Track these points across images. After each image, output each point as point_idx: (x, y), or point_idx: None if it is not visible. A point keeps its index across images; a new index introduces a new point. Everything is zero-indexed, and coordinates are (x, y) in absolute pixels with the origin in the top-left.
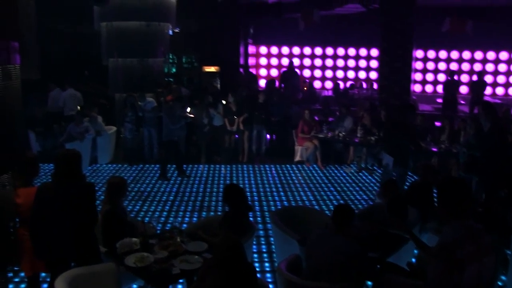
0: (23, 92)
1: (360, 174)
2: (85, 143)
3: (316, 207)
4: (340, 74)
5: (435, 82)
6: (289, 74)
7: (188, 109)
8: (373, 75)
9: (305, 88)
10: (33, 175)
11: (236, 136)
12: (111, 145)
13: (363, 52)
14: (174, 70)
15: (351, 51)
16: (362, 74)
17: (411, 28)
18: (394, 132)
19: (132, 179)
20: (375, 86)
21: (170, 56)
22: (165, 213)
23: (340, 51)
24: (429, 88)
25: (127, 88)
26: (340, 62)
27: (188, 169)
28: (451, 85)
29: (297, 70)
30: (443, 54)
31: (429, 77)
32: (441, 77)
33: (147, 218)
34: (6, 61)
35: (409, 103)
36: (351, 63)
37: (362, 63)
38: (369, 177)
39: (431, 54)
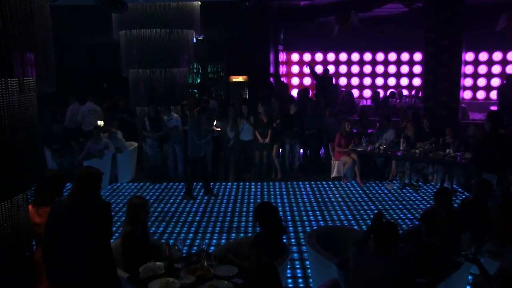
0: (39, 106)
1: (404, 191)
2: (104, 161)
3: (356, 227)
4: (379, 81)
5: (488, 88)
6: (324, 83)
7: (215, 123)
8: (417, 81)
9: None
10: (57, 194)
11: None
12: (133, 163)
13: (405, 56)
14: (198, 80)
15: (392, 56)
16: (404, 81)
17: (460, 28)
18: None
19: (155, 199)
20: (418, 93)
21: (195, 66)
22: (191, 235)
23: (380, 56)
24: (481, 95)
25: (149, 101)
26: (380, 69)
27: (215, 188)
28: (508, 90)
29: (333, 78)
30: (497, 55)
31: (481, 82)
32: (495, 81)
33: (171, 241)
34: (22, 73)
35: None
36: (392, 69)
37: (404, 68)
38: (414, 194)
39: (483, 56)
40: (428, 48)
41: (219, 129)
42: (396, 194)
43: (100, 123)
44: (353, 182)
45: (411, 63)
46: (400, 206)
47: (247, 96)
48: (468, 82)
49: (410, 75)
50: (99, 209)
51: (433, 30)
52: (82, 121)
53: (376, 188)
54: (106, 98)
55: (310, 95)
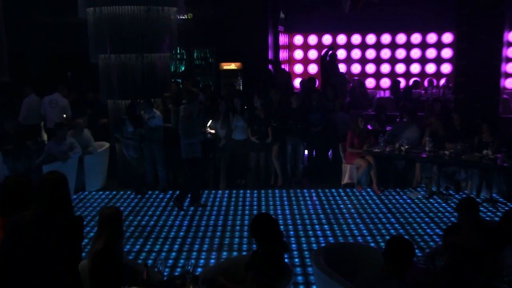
0: None
1: (431, 200)
2: (69, 165)
3: (372, 244)
4: (400, 68)
5: None
6: (331, 70)
7: (209, 123)
8: (446, 68)
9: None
10: (23, 205)
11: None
12: (103, 167)
13: (431, 38)
14: (183, 68)
15: (416, 38)
16: (430, 68)
17: (501, 2)
18: None
19: (130, 210)
20: (448, 83)
21: (178, 51)
22: (174, 253)
23: (401, 38)
24: None
25: (123, 93)
26: (401, 53)
27: (203, 196)
28: None
29: (343, 65)
30: None
31: None
32: None
33: (150, 261)
34: None
35: None
36: (416, 53)
37: (431, 53)
38: (443, 204)
39: None
40: (460, 27)
41: (213, 131)
42: (421, 205)
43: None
44: (368, 189)
45: (439, 45)
46: (426, 219)
47: (241, 87)
48: (511, 68)
49: (438, 61)
50: (67, 225)
51: (467, 4)
52: (45, 116)
53: (397, 197)
54: (71, 90)
55: (316, 85)
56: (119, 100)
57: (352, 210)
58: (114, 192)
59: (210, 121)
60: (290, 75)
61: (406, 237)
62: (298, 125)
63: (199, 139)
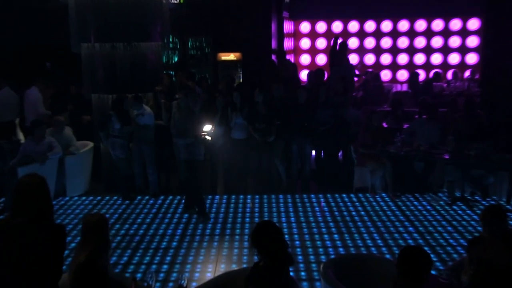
0: None
1: (454, 207)
2: (48, 167)
3: (387, 255)
4: (419, 59)
5: None
6: (342, 61)
7: (209, 127)
8: (472, 58)
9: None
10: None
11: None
12: (86, 169)
13: (455, 24)
14: (176, 59)
15: (437, 24)
16: (453, 58)
17: None
18: None
19: (117, 218)
20: (474, 75)
21: (171, 39)
22: (165, 266)
23: (420, 24)
24: None
25: (109, 86)
26: (420, 42)
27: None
28: None
29: (355, 56)
30: None
31: None
32: None
33: (139, 274)
34: None
35: None
36: (437, 42)
37: (454, 41)
38: (468, 212)
39: None
40: (488, 12)
41: (209, 137)
42: (443, 212)
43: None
44: (383, 195)
45: (463, 33)
46: (449, 228)
47: (241, 80)
48: None
49: (462, 50)
50: (47, 235)
51: None
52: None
53: (415, 203)
54: (50, 83)
55: (325, 78)
56: (105, 95)
57: (365, 218)
58: (99, 198)
59: (211, 127)
60: (296, 67)
61: (426, 248)
62: (305, 123)
63: (193, 141)
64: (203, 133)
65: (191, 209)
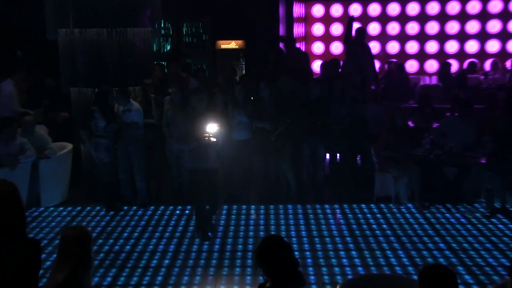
0: None
1: (493, 220)
2: (19, 172)
3: (414, 276)
4: (452, 47)
5: None
6: (358, 49)
7: (214, 127)
8: None
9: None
10: None
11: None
12: (64, 175)
13: (495, 6)
14: (168, 47)
15: (473, 7)
16: (492, 46)
17: None
18: None
19: (100, 231)
20: None
21: (163, 25)
22: (156, 287)
23: (453, 6)
24: None
25: (91, 79)
26: (453, 27)
27: (194, 213)
28: None
29: (375, 43)
30: None
31: None
32: None
33: None
34: None
35: None
36: (473, 27)
37: (493, 26)
38: (509, 225)
39: None
40: None
41: (214, 139)
42: (480, 226)
43: None
44: (409, 205)
45: (504, 16)
46: (487, 245)
47: (244, 72)
48: None
49: (503, 36)
50: (20, 251)
51: None
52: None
53: (447, 215)
54: (22, 74)
55: (341, 70)
56: (86, 88)
57: (388, 232)
58: (79, 208)
59: (216, 126)
60: (308, 57)
61: (460, 268)
62: (318, 121)
63: (194, 146)
64: (208, 135)
65: (203, 230)
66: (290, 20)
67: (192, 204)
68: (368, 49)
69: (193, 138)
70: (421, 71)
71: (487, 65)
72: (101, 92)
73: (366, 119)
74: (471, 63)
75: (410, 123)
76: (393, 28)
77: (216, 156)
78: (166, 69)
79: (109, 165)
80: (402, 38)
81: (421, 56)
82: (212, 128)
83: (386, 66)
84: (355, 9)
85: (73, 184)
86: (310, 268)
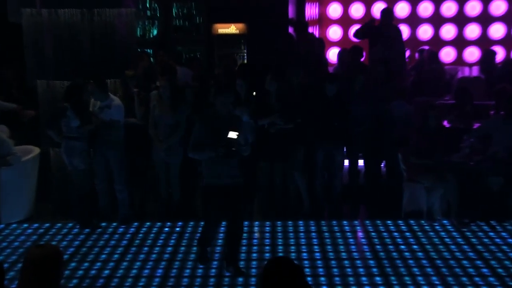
0: None
1: None
2: None
3: None
4: (497, 31)
5: None
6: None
7: (235, 135)
8: None
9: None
10: None
11: None
12: (29, 186)
13: None
14: (155, 32)
15: None
16: None
17: None
18: None
19: (73, 252)
20: None
21: (148, 5)
22: None
23: None
24: None
25: (62, 70)
26: (498, 7)
27: (186, 230)
28: None
29: (404, 27)
30: None
31: None
32: None
33: None
34: None
35: None
36: None
37: None
38: None
39: None
40: None
41: (235, 134)
42: None
43: None
44: (444, 222)
45: None
46: None
47: (246, 61)
48: None
49: None
50: None
51: None
52: None
53: (491, 234)
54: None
55: (363, 59)
56: (56, 81)
57: (419, 254)
58: (47, 225)
59: (236, 134)
60: (323, 43)
61: None
62: (335, 122)
63: (212, 155)
64: (229, 144)
65: (234, 264)
66: (301, 0)
67: (205, 226)
68: (397, 33)
69: (211, 147)
70: (459, 61)
71: None
72: (73, 85)
73: (393, 119)
74: None
75: (446, 124)
76: (426, 8)
77: (238, 169)
78: (152, 58)
79: (83, 173)
80: (436, 20)
81: (459, 43)
82: (233, 135)
83: (416, 54)
84: None
85: (40, 196)
86: None
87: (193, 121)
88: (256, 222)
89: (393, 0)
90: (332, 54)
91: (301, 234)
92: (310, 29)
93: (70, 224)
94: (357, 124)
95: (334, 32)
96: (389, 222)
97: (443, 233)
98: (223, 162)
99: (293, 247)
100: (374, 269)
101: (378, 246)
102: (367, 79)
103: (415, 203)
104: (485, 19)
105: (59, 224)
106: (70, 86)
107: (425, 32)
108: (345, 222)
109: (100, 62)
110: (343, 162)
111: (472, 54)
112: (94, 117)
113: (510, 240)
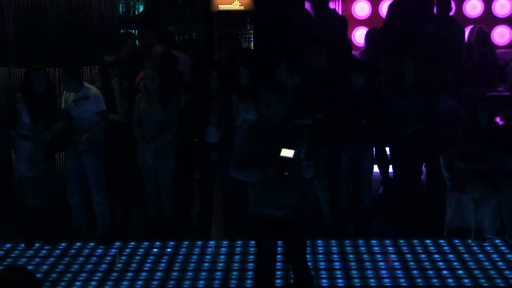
0: None
1: None
2: None
3: None
4: None
5: None
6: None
7: (291, 153)
8: None
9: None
10: None
11: None
12: None
13: None
14: (141, 9)
15: None
16: None
17: None
18: None
19: (41, 279)
20: None
21: None
22: None
23: None
24: None
25: (28, 56)
26: None
27: (181, 250)
28: None
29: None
30: None
31: None
32: None
33: None
34: None
35: None
36: None
37: None
38: None
39: None
40: None
41: (291, 153)
42: None
43: None
44: (497, 241)
45: None
46: None
47: (252, 45)
48: None
49: None
50: None
51: None
52: None
53: None
54: None
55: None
56: (20, 69)
57: (465, 281)
58: (9, 245)
59: (293, 152)
60: (346, 22)
61: None
62: (363, 120)
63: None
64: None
65: None
66: None
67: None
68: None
69: (257, 166)
70: None
71: None
72: (29, 71)
73: (439, 117)
74: None
75: (499, 121)
76: None
77: (299, 197)
78: (138, 41)
79: (31, 182)
80: None
81: None
82: (288, 154)
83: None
84: None
85: (5, 210)
86: None
87: (190, 113)
88: None
89: None
90: (359, 35)
91: (320, 255)
92: (332, 5)
93: (37, 244)
94: (404, 125)
95: (361, 8)
96: (428, 241)
97: (495, 255)
98: (277, 187)
99: (312, 272)
100: None
101: (414, 271)
102: (409, 68)
103: (461, 218)
104: None
105: (22, 245)
106: (25, 73)
107: (473, 7)
108: (374, 241)
109: (73, 46)
110: (373, 168)
111: None
112: (64, 114)
113: None
